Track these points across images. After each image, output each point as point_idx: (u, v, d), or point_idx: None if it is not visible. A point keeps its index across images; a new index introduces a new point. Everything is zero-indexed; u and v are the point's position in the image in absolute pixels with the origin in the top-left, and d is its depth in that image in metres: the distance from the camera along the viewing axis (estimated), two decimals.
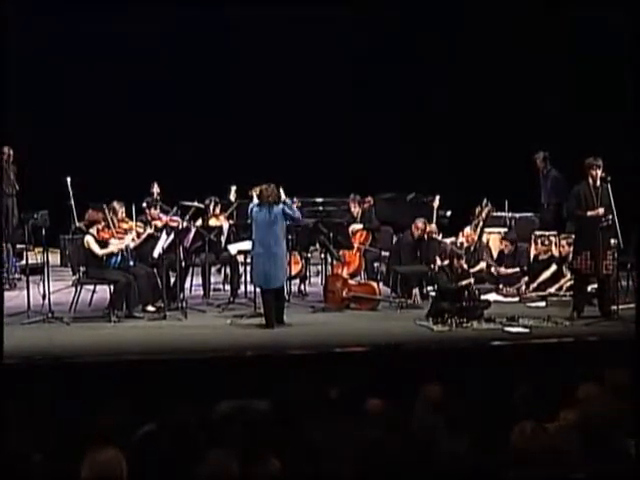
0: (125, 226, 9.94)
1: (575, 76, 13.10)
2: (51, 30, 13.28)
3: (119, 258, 9.76)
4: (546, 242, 11.06)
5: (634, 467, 4.49)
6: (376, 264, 11.47)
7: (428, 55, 13.85)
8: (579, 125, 12.52)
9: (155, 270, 10.13)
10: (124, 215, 10.09)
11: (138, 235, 9.98)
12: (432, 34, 13.71)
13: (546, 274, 10.85)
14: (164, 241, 9.86)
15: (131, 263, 9.86)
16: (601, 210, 9.40)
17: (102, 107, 13.39)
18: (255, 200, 9.58)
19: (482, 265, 11.04)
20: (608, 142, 10.91)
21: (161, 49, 13.63)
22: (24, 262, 10.73)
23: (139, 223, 10.23)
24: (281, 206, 9.38)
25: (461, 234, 11.37)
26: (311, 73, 14.06)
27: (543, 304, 10.47)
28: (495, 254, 11.54)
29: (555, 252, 11.01)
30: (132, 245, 9.86)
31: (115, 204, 9.99)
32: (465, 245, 11.10)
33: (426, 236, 10.85)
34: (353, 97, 14.16)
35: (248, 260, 10.63)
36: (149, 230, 10.12)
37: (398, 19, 13.77)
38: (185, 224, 10.58)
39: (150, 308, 9.93)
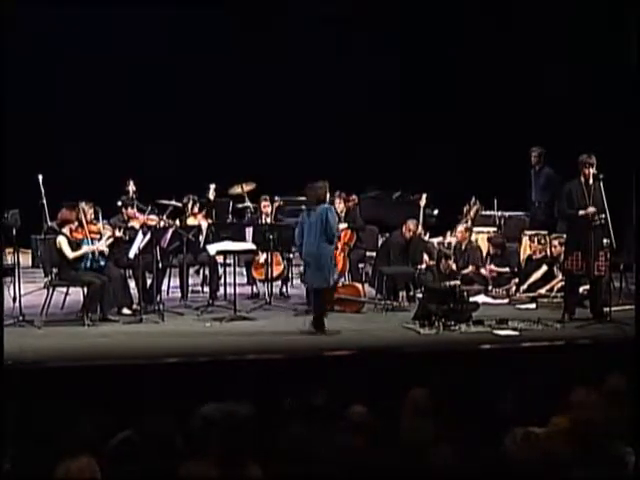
0: (94, 228, 9.71)
1: (569, 73, 12.96)
2: (28, 29, 13.05)
3: (89, 260, 9.54)
4: (542, 241, 10.94)
5: (630, 475, 4.37)
6: (361, 265, 11.32)
7: (418, 52, 13.72)
8: (572, 123, 12.41)
9: (131, 271, 9.88)
10: (92, 217, 9.84)
11: (109, 238, 9.73)
12: (422, 32, 13.56)
13: (536, 275, 10.72)
14: (140, 241, 9.67)
15: (102, 264, 9.62)
16: (593, 209, 9.21)
17: (76, 104, 13.27)
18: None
19: (472, 267, 10.94)
20: (604, 140, 10.77)
21: (139, 47, 13.49)
22: None
23: (107, 226, 9.96)
24: (325, 206, 9.09)
25: (449, 233, 11.20)
26: (293, 71, 13.99)
27: (533, 306, 10.38)
28: (484, 254, 11.37)
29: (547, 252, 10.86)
30: (101, 249, 9.62)
31: (83, 205, 9.71)
32: (453, 244, 10.94)
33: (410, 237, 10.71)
34: (337, 95, 14.02)
35: (228, 261, 10.39)
36: (118, 233, 9.89)
37: (389, 18, 13.65)
38: (162, 223, 10.39)
39: (126, 311, 9.75)
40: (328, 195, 9.29)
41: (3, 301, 8.89)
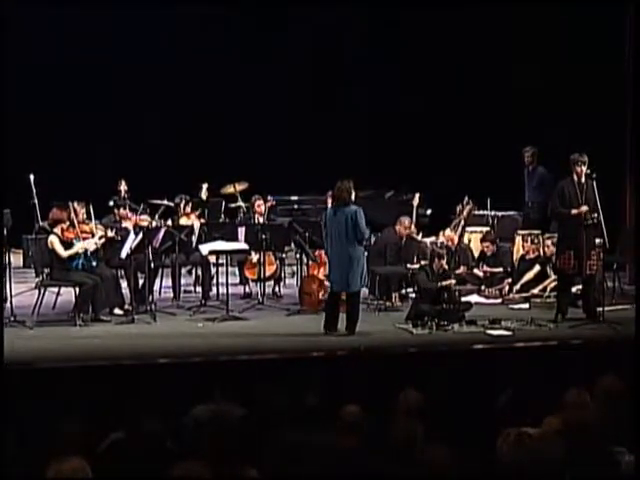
0: (86, 228, 9.66)
1: (561, 71, 12.95)
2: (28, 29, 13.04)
3: (81, 260, 9.49)
4: (535, 241, 10.91)
5: (623, 475, 4.34)
6: None
7: (415, 52, 13.67)
8: (567, 122, 12.37)
9: (123, 272, 9.82)
10: (84, 216, 9.80)
11: (102, 238, 9.67)
12: (420, 32, 13.55)
13: (529, 275, 10.69)
14: (132, 241, 9.62)
15: (94, 264, 9.57)
16: (585, 208, 9.18)
17: (68, 104, 13.18)
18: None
19: (463, 268, 10.90)
20: (598, 140, 10.75)
21: (129, 45, 13.45)
22: None
23: (99, 225, 9.93)
24: (353, 207, 8.91)
25: (442, 234, 11.16)
26: (285, 70, 13.95)
27: (526, 306, 10.33)
28: (476, 254, 11.36)
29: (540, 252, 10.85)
30: (93, 248, 9.57)
31: (75, 204, 9.67)
32: (446, 244, 10.91)
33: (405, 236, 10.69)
34: (331, 95, 14.04)
35: (220, 261, 10.35)
36: (110, 233, 9.86)
37: (388, 20, 13.64)
38: (155, 223, 10.35)
39: (117, 311, 9.71)
40: (353, 195, 9.03)
41: (3, 300, 8.85)
